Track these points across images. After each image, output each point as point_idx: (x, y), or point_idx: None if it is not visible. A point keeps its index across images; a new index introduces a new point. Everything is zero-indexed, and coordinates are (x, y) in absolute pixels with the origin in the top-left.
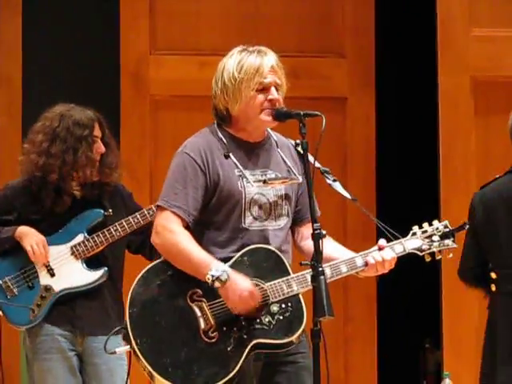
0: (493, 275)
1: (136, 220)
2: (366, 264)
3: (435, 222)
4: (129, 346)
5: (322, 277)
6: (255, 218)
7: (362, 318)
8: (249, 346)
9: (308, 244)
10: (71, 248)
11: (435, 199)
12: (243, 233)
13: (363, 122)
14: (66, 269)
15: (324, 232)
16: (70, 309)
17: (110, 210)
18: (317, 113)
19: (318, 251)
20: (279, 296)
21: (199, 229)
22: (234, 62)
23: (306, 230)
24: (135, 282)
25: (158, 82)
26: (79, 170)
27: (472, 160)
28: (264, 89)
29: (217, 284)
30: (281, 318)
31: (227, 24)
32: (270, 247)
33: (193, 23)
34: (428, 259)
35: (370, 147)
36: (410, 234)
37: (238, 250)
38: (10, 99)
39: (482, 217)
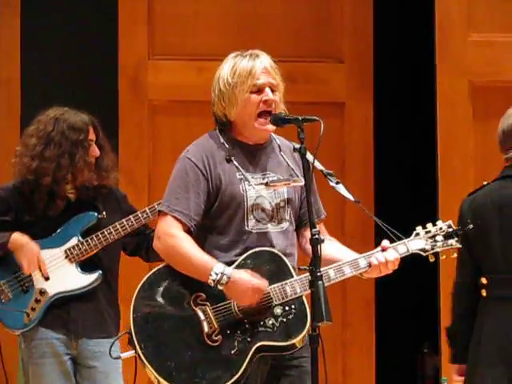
0: (483, 280)
1: (130, 223)
2: (370, 265)
3: (439, 222)
4: (133, 351)
5: (320, 282)
6: (258, 221)
7: (360, 322)
8: (253, 349)
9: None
10: (65, 251)
11: (433, 203)
12: (246, 236)
13: (361, 127)
14: (60, 272)
15: (323, 237)
16: (64, 312)
17: (104, 213)
18: (315, 118)
19: (316, 256)
20: (282, 298)
21: (202, 233)
22: (228, 67)
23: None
24: (139, 287)
25: (156, 86)
26: (77, 174)
27: (470, 164)
28: (258, 90)
29: (220, 287)
30: (284, 320)
31: (225, 30)
32: (273, 250)
33: (191, 28)
34: (432, 259)
35: (368, 151)
36: (414, 235)
37: (241, 254)
38: (8, 101)
39: (472, 222)
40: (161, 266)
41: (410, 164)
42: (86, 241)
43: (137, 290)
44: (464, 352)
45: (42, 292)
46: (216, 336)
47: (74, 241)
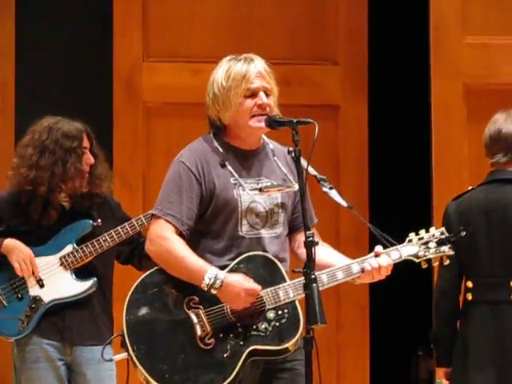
0: (469, 284)
1: (125, 230)
2: (363, 270)
3: (432, 229)
4: (126, 354)
5: (314, 284)
6: (252, 226)
7: (355, 325)
8: (245, 353)
9: (305, 252)
10: (60, 259)
11: (428, 205)
12: (240, 241)
13: (356, 130)
14: (55, 279)
15: (317, 240)
16: (59, 319)
17: (99, 221)
18: (310, 120)
19: (310, 259)
20: (275, 302)
21: (195, 238)
22: (223, 71)
23: (303, 238)
24: (132, 290)
25: (150, 88)
26: (68, 181)
27: (465, 166)
28: (253, 94)
29: (213, 291)
30: (277, 324)
31: (220, 32)
32: (266, 254)
33: (186, 31)
34: (424, 266)
35: (362, 154)
36: (407, 241)
37: (234, 259)
38: (3, 105)
39: (458, 226)
40: (153, 269)
41: (404, 166)
42: (81, 248)
43: (130, 293)
44: (449, 355)
45: (37, 299)
46: (209, 339)
47: (69, 248)
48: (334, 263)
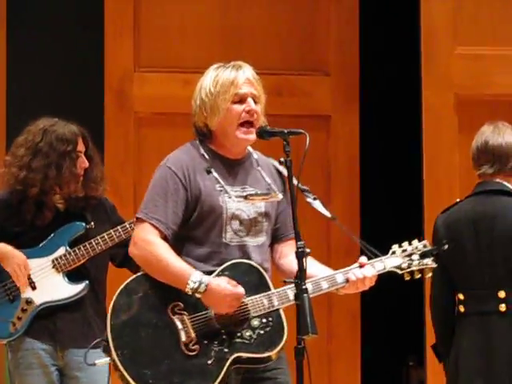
0: (460, 296)
1: (118, 233)
2: (347, 281)
3: (414, 242)
4: (109, 358)
5: (305, 295)
6: (235, 234)
7: (346, 335)
8: (229, 360)
9: (287, 262)
10: (52, 261)
11: (419, 215)
12: (223, 248)
13: (347, 140)
14: (47, 282)
15: (308, 250)
16: (50, 322)
17: (92, 223)
18: (301, 131)
19: (301, 269)
20: (260, 311)
21: (179, 243)
22: (210, 78)
23: (285, 248)
24: (117, 294)
25: (141, 99)
26: (63, 185)
27: (456, 176)
28: (241, 100)
29: (197, 295)
30: (262, 332)
31: (211, 42)
32: (251, 262)
33: (177, 41)
34: (407, 278)
35: (354, 165)
36: (390, 253)
37: (217, 265)
38: None
39: (447, 238)
40: (139, 273)
41: (395, 177)
42: (74, 251)
43: (114, 297)
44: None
45: (29, 301)
46: (193, 345)
47: (61, 250)
48: (315, 273)
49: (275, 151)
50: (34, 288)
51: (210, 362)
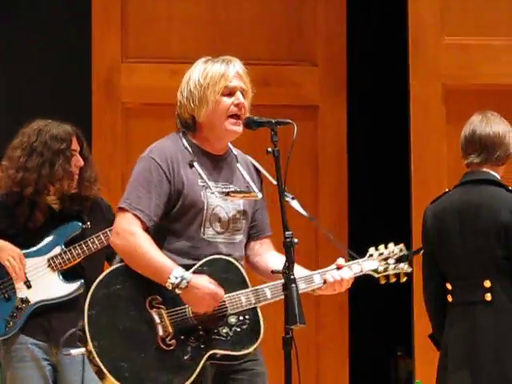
0: (448, 286)
1: None
2: (325, 282)
3: (391, 245)
4: (84, 349)
5: (293, 285)
6: (214, 230)
7: (334, 325)
8: (205, 356)
9: (263, 260)
10: (48, 260)
11: (407, 205)
12: (201, 243)
13: (335, 130)
14: (42, 281)
15: (296, 240)
16: (45, 320)
17: (88, 223)
18: (288, 121)
19: (289, 260)
20: (237, 308)
21: (158, 235)
22: (199, 70)
23: (259, 246)
24: (95, 285)
25: (129, 89)
26: (56, 182)
27: (444, 166)
28: (230, 93)
29: (178, 291)
30: (238, 330)
31: (198, 33)
32: (229, 259)
33: (164, 31)
34: (383, 281)
35: (341, 155)
36: (368, 255)
37: (194, 259)
38: None
39: (434, 228)
40: (118, 264)
41: (383, 167)
42: (69, 250)
43: (93, 288)
44: None
45: (24, 300)
46: (170, 340)
47: (57, 250)
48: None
49: (262, 142)
50: (29, 287)
51: (186, 357)
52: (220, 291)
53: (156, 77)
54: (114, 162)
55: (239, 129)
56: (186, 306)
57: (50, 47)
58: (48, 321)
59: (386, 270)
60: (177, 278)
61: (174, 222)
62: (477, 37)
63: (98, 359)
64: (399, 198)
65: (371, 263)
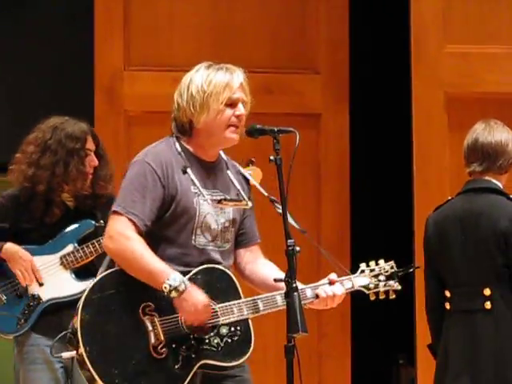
0: (447, 293)
1: None
2: (317, 296)
3: (381, 262)
4: (75, 352)
5: (295, 293)
6: (204, 238)
7: (336, 333)
8: (196, 366)
9: (254, 267)
10: (60, 258)
11: (409, 213)
12: (190, 251)
13: (337, 138)
14: (54, 278)
15: (298, 248)
16: (57, 318)
17: (102, 221)
18: (291, 129)
19: (291, 268)
20: (229, 319)
21: (148, 241)
22: (202, 76)
23: (249, 253)
24: (89, 288)
25: (131, 97)
26: (70, 182)
27: (446, 175)
28: (232, 104)
29: (173, 294)
30: (229, 340)
31: (201, 41)
32: (223, 268)
33: (166, 39)
34: (373, 298)
35: (344, 163)
36: (359, 271)
37: (184, 266)
38: None
39: (435, 236)
40: (113, 269)
41: (386, 175)
42: (82, 248)
43: (86, 291)
44: None
45: (36, 297)
46: (161, 348)
47: (69, 248)
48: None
49: (265, 150)
50: (41, 284)
51: (176, 366)
52: (213, 304)
53: (158, 85)
54: (116, 169)
55: (237, 137)
56: (179, 314)
57: (53, 55)
58: (59, 319)
59: (376, 286)
60: (175, 280)
61: (166, 228)
62: (479, 45)
63: (89, 364)
64: (401, 206)
65: (362, 280)
